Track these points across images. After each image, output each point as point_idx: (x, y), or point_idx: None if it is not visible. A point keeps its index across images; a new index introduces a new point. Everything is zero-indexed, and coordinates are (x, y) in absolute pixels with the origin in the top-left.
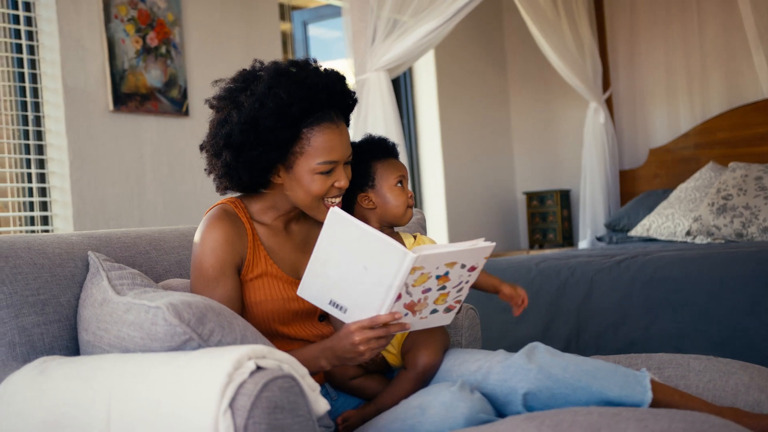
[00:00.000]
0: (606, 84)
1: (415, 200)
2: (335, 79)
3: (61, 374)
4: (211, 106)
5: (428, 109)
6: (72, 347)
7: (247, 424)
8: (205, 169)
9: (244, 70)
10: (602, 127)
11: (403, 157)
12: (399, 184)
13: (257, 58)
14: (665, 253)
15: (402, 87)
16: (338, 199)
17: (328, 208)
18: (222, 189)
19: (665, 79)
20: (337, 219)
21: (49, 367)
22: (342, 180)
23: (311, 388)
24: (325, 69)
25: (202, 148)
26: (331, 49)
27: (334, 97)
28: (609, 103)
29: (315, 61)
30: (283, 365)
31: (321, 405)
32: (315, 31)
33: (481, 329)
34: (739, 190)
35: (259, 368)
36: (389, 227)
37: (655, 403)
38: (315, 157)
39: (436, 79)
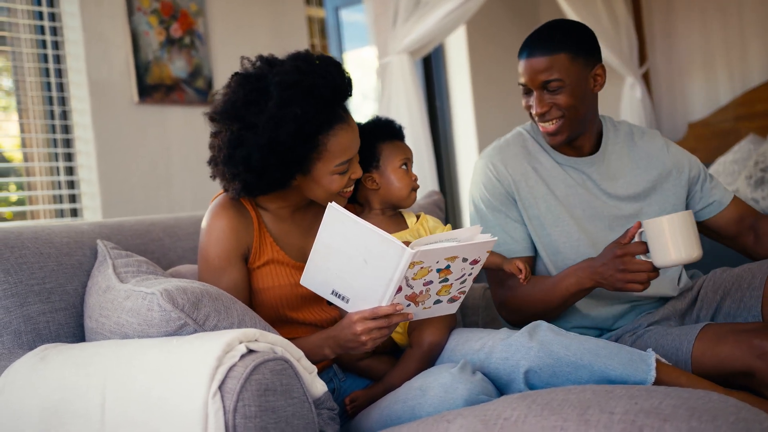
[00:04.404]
0: (643, 57)
1: (441, 186)
2: (336, 72)
3: (60, 361)
4: (213, 120)
5: (461, 89)
6: (79, 334)
7: (236, 406)
8: (212, 176)
9: (240, 75)
10: (639, 102)
11: (427, 138)
12: (404, 167)
13: (280, 47)
14: None
15: (434, 67)
16: (351, 188)
17: (345, 197)
18: (230, 195)
19: (703, 51)
20: (335, 215)
21: (49, 355)
22: (357, 171)
23: (307, 370)
24: (325, 61)
25: (214, 163)
26: (363, 35)
27: (340, 94)
28: (646, 78)
29: (307, 52)
30: (276, 348)
31: (318, 387)
32: (347, 16)
33: None
34: None
35: (251, 351)
36: (392, 209)
37: (659, 384)
38: (333, 161)
39: (469, 58)
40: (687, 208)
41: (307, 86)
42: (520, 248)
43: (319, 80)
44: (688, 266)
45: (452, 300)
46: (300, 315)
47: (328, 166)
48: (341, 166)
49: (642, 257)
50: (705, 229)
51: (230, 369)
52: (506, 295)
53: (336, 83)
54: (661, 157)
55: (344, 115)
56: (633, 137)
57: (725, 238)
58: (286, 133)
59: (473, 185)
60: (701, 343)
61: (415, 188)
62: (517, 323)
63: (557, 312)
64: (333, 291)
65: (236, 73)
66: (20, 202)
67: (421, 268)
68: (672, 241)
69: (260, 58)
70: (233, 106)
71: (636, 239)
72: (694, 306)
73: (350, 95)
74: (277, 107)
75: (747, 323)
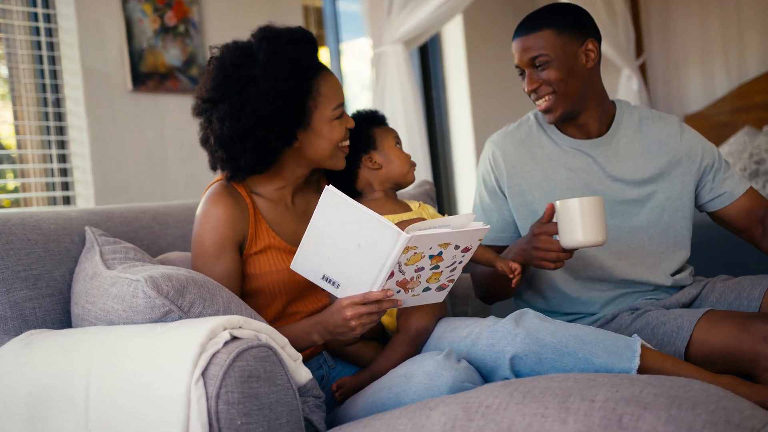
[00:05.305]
0: (639, 49)
1: (437, 176)
2: (304, 30)
3: (45, 347)
4: (207, 102)
5: (458, 79)
6: (65, 321)
7: (219, 393)
8: (216, 166)
9: (216, 57)
10: (636, 94)
11: (421, 128)
12: (398, 145)
13: None
14: None
15: (430, 56)
16: (348, 141)
17: (345, 153)
18: (240, 177)
19: (700, 43)
20: (332, 198)
21: (34, 340)
22: (350, 120)
23: (292, 357)
24: (288, 26)
25: (219, 142)
26: (360, 25)
27: (314, 41)
28: (643, 70)
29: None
30: (260, 335)
31: (302, 374)
32: (344, 6)
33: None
34: None
35: (234, 338)
36: (393, 190)
37: (644, 370)
38: (329, 104)
39: (465, 48)
40: (696, 197)
41: (287, 35)
42: (492, 236)
43: (294, 31)
44: (692, 267)
45: (441, 288)
46: (296, 305)
47: (325, 111)
48: (337, 109)
49: (557, 237)
50: (715, 219)
51: (213, 356)
52: (473, 269)
53: (308, 37)
54: (673, 144)
55: (323, 63)
56: (647, 121)
57: (735, 229)
58: (284, 75)
59: (477, 170)
60: (705, 323)
61: (413, 164)
62: (483, 298)
63: (508, 289)
64: (324, 276)
65: (211, 58)
66: (15, 189)
67: (415, 253)
68: (580, 224)
69: (225, 45)
70: (224, 76)
71: (555, 219)
72: (693, 304)
73: (318, 49)
74: (268, 57)
75: (753, 312)
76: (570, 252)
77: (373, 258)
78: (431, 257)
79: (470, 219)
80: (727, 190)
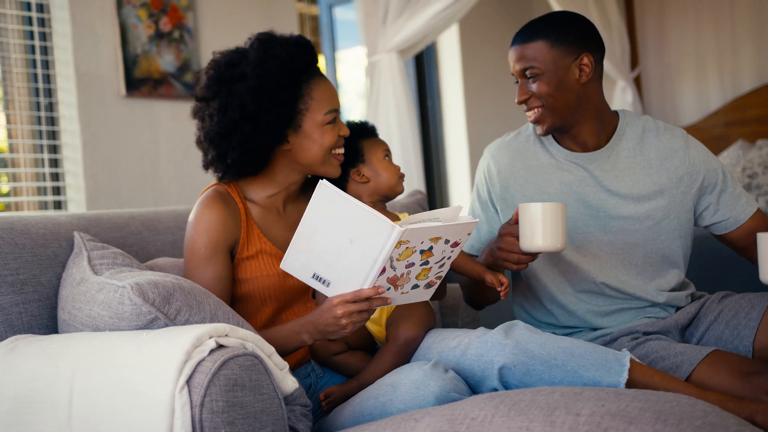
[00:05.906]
0: (634, 61)
1: (430, 185)
2: (301, 36)
3: (30, 352)
4: (203, 99)
5: (453, 88)
6: (52, 326)
7: (203, 401)
8: (208, 166)
9: (213, 60)
10: (630, 106)
11: (415, 137)
12: (386, 158)
13: None
14: None
15: (426, 66)
16: (342, 149)
17: (338, 161)
18: (229, 176)
19: (695, 56)
20: (326, 192)
21: (19, 346)
22: (344, 128)
23: (278, 366)
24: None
25: (209, 139)
26: (357, 33)
27: (310, 46)
28: (638, 82)
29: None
30: (246, 344)
31: (289, 384)
32: (341, 14)
33: (491, 309)
34: (765, 167)
35: (220, 346)
36: (382, 202)
37: (632, 384)
38: (321, 109)
39: (461, 57)
40: (700, 217)
41: (281, 39)
42: (478, 247)
43: (290, 37)
44: (695, 284)
45: (429, 285)
46: (285, 314)
47: (317, 116)
48: (330, 114)
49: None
50: (716, 237)
51: (198, 364)
52: (461, 277)
53: (304, 43)
54: (676, 160)
55: (321, 72)
56: (651, 134)
57: (736, 248)
58: (272, 72)
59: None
60: (706, 367)
61: (401, 176)
62: (471, 303)
63: (494, 297)
64: (314, 275)
65: (210, 60)
66: (7, 194)
67: (407, 248)
68: (540, 228)
69: (226, 49)
70: (217, 73)
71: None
72: (691, 324)
73: (317, 56)
74: (259, 55)
75: (755, 360)
76: (532, 255)
77: (366, 253)
78: (422, 252)
79: (458, 211)
80: (733, 215)
